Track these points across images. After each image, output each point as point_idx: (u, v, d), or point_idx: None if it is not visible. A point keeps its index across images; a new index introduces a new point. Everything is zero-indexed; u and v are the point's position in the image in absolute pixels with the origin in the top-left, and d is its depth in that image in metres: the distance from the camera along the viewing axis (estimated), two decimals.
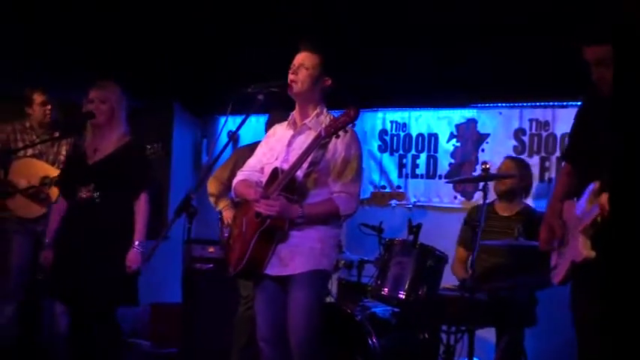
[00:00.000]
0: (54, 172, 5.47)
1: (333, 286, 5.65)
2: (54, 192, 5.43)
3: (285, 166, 3.95)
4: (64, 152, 5.60)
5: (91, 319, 4.66)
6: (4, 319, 5.49)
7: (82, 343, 4.72)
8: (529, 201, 5.59)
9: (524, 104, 6.01)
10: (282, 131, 4.19)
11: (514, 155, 5.85)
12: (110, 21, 6.07)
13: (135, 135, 4.82)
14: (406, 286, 4.85)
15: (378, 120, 6.76)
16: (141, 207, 4.67)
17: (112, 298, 4.63)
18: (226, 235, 5.45)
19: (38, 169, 5.54)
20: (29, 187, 5.44)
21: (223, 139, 6.82)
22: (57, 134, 5.58)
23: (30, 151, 5.55)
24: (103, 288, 4.54)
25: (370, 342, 4.79)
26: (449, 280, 5.37)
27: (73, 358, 4.85)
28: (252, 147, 5.28)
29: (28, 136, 5.62)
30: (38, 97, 5.60)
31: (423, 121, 6.52)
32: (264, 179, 4.08)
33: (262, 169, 4.16)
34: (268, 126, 5.54)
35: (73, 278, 4.57)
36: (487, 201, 5.12)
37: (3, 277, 5.55)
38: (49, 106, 5.62)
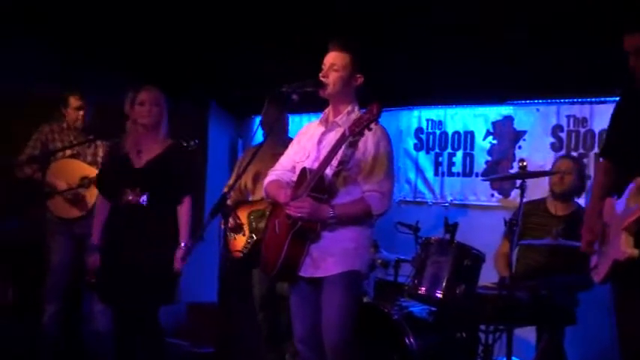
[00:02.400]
0: (93, 172, 5.48)
1: (369, 285, 5.64)
2: (92, 193, 5.47)
3: (315, 166, 3.93)
4: (101, 154, 5.63)
5: (136, 322, 4.69)
6: (46, 317, 5.50)
7: (127, 346, 4.76)
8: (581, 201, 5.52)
9: (562, 101, 5.94)
10: (313, 129, 4.17)
11: (568, 154, 5.76)
12: (146, 22, 6.11)
13: (172, 135, 4.84)
14: (443, 285, 4.81)
15: (414, 118, 6.73)
16: (184, 210, 4.68)
17: (157, 300, 4.66)
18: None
19: (77, 169, 5.56)
20: (68, 189, 5.48)
21: (258, 138, 6.84)
22: (92, 137, 5.61)
23: (68, 152, 5.59)
24: (150, 291, 4.57)
25: (407, 341, 4.77)
26: (486, 278, 5.33)
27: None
28: (252, 150, 5.31)
29: (66, 137, 5.66)
30: (74, 101, 5.64)
31: (459, 118, 6.48)
32: (295, 178, 4.07)
33: (294, 167, 4.15)
34: (263, 125, 5.56)
35: (123, 282, 4.60)
36: (534, 198, 5.12)
37: (45, 276, 5.57)
38: (82, 112, 5.66)
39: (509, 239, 5.26)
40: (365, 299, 5.30)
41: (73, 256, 5.58)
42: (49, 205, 5.56)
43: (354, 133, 3.75)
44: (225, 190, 5.33)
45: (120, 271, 4.64)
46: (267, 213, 5.11)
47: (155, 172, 4.66)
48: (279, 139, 5.20)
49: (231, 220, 5.55)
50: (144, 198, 4.62)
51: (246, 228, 5.50)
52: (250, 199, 5.65)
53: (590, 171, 5.68)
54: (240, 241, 5.49)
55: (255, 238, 5.39)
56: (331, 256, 3.89)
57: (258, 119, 7.28)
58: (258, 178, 5.41)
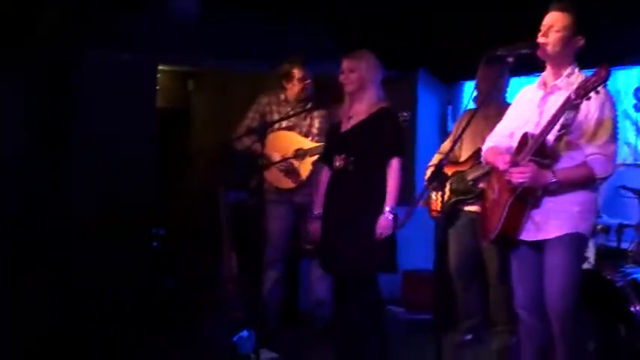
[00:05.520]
0: (307, 144, 5.65)
1: (590, 251, 5.45)
2: (306, 163, 5.62)
3: (537, 131, 3.85)
4: (317, 124, 5.75)
5: (353, 287, 4.77)
6: (266, 286, 5.69)
7: (345, 313, 4.86)
8: None
9: None
10: (531, 93, 4.08)
11: None
12: None
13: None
14: None
15: (633, 77, 6.40)
16: (393, 173, 4.68)
17: (372, 265, 4.71)
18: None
19: (292, 141, 5.72)
20: (282, 160, 5.64)
21: (469, 105, 6.74)
22: (309, 106, 5.71)
23: (284, 123, 5.72)
24: (364, 255, 4.63)
25: (633, 309, 4.60)
26: None
27: (336, 327, 5.03)
28: (469, 114, 5.21)
29: (283, 109, 5.79)
30: (298, 72, 5.75)
31: None
32: (514, 144, 4.01)
33: (512, 134, 4.09)
34: (479, 90, 5.35)
35: (334, 247, 4.71)
36: None
37: (266, 245, 5.76)
38: (307, 82, 5.77)
39: None
40: (585, 266, 5.14)
41: (291, 224, 5.77)
42: (266, 176, 5.75)
43: (580, 96, 3.63)
44: (440, 157, 5.33)
45: (332, 238, 4.75)
46: (468, 176, 5.07)
47: (357, 136, 4.73)
48: (497, 104, 5.12)
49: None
50: (349, 162, 4.70)
51: (447, 188, 5.46)
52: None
53: None
54: (439, 201, 5.46)
55: (452, 199, 5.36)
56: (555, 219, 3.82)
57: (467, 85, 7.20)
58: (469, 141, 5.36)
